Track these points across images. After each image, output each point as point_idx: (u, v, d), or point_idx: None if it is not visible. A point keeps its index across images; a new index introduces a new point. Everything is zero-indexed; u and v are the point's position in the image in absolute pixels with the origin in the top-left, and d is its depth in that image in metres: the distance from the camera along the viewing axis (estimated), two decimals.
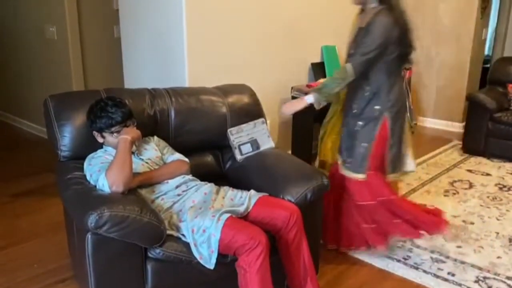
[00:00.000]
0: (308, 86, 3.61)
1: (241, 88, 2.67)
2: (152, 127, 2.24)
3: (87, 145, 2.03)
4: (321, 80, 3.13)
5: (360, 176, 2.41)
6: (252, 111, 2.57)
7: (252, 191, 2.07)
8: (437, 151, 4.59)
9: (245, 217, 1.94)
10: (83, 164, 1.99)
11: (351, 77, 2.24)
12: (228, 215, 1.81)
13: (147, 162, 2.05)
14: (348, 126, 2.45)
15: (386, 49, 2.23)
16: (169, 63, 3.16)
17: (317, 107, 2.38)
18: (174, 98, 2.33)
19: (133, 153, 2.00)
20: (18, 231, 2.84)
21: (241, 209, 1.94)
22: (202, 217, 1.83)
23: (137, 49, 3.41)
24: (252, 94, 2.65)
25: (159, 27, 3.16)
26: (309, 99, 2.33)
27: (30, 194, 3.36)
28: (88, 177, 1.92)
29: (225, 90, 2.58)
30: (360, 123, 2.37)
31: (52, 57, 4.43)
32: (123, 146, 1.88)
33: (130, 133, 1.94)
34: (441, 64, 5.33)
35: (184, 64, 3.05)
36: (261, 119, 2.55)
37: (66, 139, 2.03)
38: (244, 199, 2.00)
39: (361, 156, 2.39)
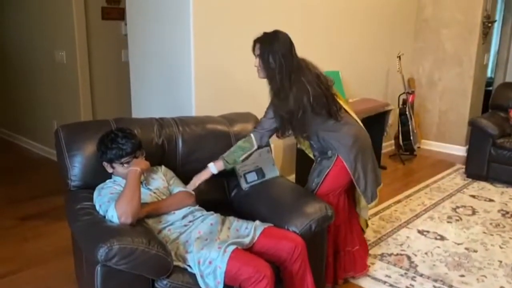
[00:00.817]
0: None
1: (246, 117, 2.72)
2: (160, 156, 2.29)
3: (97, 175, 2.08)
4: None
5: None
6: None
7: (257, 222, 2.10)
8: (440, 175, 4.61)
9: (250, 248, 1.97)
10: (92, 194, 2.04)
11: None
12: (234, 247, 1.84)
13: (154, 192, 2.10)
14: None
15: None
16: (177, 90, 3.22)
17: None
18: (181, 127, 2.39)
19: (141, 182, 2.04)
20: (25, 256, 2.87)
21: (247, 240, 1.97)
22: (208, 248, 1.86)
23: (145, 75, 3.48)
24: (257, 123, 2.70)
25: (167, 54, 3.24)
26: (211, 168, 2.31)
27: (38, 217, 3.40)
28: (97, 208, 1.96)
29: (230, 119, 2.64)
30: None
31: (61, 80, 4.52)
32: (133, 178, 1.93)
33: (139, 164, 1.99)
34: (444, 88, 5.39)
35: (191, 92, 3.11)
36: (266, 148, 2.60)
37: (76, 169, 2.08)
38: (250, 230, 2.03)
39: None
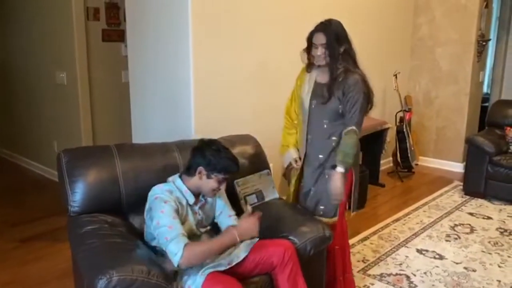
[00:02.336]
0: None
1: (246, 139, 2.76)
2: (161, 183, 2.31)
3: (98, 201, 2.10)
4: None
5: (326, 219, 2.49)
6: (257, 162, 2.66)
7: (242, 245, 2.05)
8: (438, 192, 4.64)
9: (242, 262, 1.99)
10: (94, 217, 2.06)
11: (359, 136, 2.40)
12: (209, 270, 1.87)
13: (199, 221, 2.10)
14: (314, 174, 2.51)
15: None
16: (176, 111, 3.26)
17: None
18: (183, 152, 2.41)
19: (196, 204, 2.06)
20: (26, 279, 2.88)
21: (231, 260, 1.98)
22: (191, 275, 1.89)
23: (144, 96, 3.53)
24: (257, 145, 2.75)
25: (166, 75, 3.29)
26: (341, 170, 2.35)
27: (38, 239, 3.41)
28: (148, 220, 1.95)
29: (231, 141, 2.66)
30: (327, 170, 2.45)
31: (62, 101, 4.57)
32: (226, 242, 1.92)
33: (246, 233, 1.97)
34: (441, 105, 5.45)
35: (190, 114, 3.15)
36: (266, 171, 2.63)
37: (77, 195, 2.09)
38: (235, 255, 2.02)
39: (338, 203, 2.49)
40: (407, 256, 3.22)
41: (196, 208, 2.08)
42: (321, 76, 2.46)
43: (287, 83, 3.78)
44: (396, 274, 2.96)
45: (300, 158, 2.57)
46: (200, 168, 1.99)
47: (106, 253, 1.82)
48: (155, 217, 1.90)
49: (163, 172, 2.25)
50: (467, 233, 3.64)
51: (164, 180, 2.24)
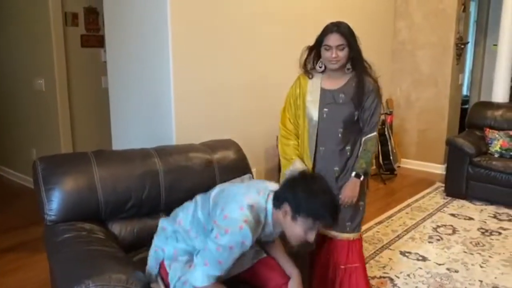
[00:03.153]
0: None
1: (228, 144, 2.73)
2: (141, 189, 2.26)
3: (75, 209, 2.05)
4: None
5: (354, 236, 2.44)
6: (239, 167, 2.63)
7: (250, 253, 1.94)
8: (420, 194, 4.68)
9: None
10: (71, 225, 2.01)
11: None
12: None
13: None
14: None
15: None
16: (157, 116, 3.23)
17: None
18: (163, 157, 2.37)
19: None
20: None
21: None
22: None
23: (124, 102, 3.48)
24: (239, 150, 2.72)
25: (146, 80, 3.25)
26: (361, 178, 2.34)
27: (17, 249, 3.33)
28: (214, 231, 1.68)
29: (212, 147, 2.64)
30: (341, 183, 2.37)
31: (40, 108, 4.49)
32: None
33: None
34: (421, 108, 5.51)
35: (171, 119, 3.12)
36: (248, 175, 2.61)
37: (53, 203, 2.03)
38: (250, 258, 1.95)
39: (361, 214, 2.45)
40: (390, 259, 3.22)
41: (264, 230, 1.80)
42: (329, 82, 2.34)
43: (268, 88, 3.80)
44: (380, 277, 2.96)
45: (309, 170, 2.38)
46: (286, 205, 1.67)
47: (83, 262, 1.78)
48: (221, 225, 1.65)
49: (142, 178, 2.21)
50: (449, 234, 3.67)
51: (143, 187, 2.21)
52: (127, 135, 3.49)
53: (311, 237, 1.67)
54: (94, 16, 4.50)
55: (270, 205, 1.73)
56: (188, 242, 1.86)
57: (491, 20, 6.18)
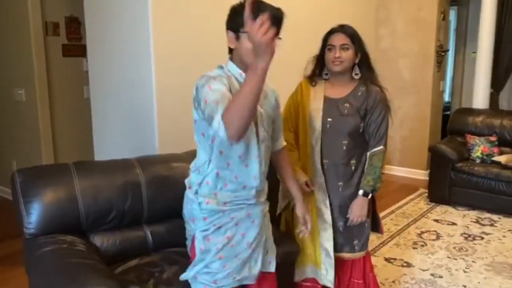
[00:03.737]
0: None
1: None
2: (123, 199, 2.22)
3: (55, 221, 2.01)
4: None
5: (361, 253, 2.38)
6: None
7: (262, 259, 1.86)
8: (404, 200, 4.72)
9: None
10: (51, 238, 1.97)
11: None
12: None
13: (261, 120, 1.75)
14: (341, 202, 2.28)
15: None
16: (139, 125, 3.20)
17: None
18: (145, 168, 2.34)
19: None
20: None
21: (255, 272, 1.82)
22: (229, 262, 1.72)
23: (106, 111, 3.44)
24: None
25: (128, 89, 3.22)
26: (369, 196, 2.24)
27: None
28: (202, 105, 1.56)
29: (195, 155, 2.62)
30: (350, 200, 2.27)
31: (20, 119, 4.42)
32: (254, 77, 1.37)
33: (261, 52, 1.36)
34: (404, 115, 5.57)
35: (154, 128, 3.10)
36: None
37: (32, 216, 1.99)
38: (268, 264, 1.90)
39: (367, 231, 2.37)
40: (375, 265, 3.22)
41: None
42: (333, 90, 2.24)
43: None
44: None
45: (311, 181, 2.25)
46: (229, 33, 1.65)
47: (63, 276, 1.74)
48: (202, 96, 1.55)
49: (123, 189, 2.18)
50: (433, 240, 3.69)
51: (125, 198, 2.19)
52: (109, 145, 3.44)
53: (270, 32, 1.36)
54: (75, 26, 4.46)
55: (231, 65, 1.72)
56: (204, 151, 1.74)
57: (470, 28, 6.30)
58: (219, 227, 1.72)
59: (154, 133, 3.10)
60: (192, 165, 1.85)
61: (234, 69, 1.71)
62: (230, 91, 1.61)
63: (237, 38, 1.64)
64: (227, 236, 1.73)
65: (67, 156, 4.28)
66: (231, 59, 1.73)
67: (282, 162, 2.02)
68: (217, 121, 1.43)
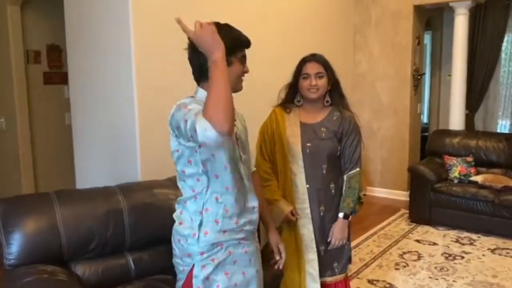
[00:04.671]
0: None
1: None
2: (105, 228, 2.22)
3: (36, 251, 2.00)
4: None
5: (341, 276, 2.40)
6: None
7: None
8: (386, 221, 4.77)
9: None
10: (32, 268, 1.95)
11: None
12: None
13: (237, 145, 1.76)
14: (321, 227, 2.32)
15: None
16: (121, 152, 3.20)
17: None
18: (126, 195, 2.35)
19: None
20: None
21: None
22: None
23: (88, 140, 3.44)
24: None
25: (110, 119, 3.24)
26: (348, 217, 2.29)
27: None
28: (182, 127, 1.53)
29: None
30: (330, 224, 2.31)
31: (0, 148, 4.38)
32: (221, 67, 1.44)
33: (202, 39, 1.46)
34: (383, 137, 5.68)
35: (136, 154, 3.10)
36: None
37: (13, 246, 1.97)
38: None
39: (347, 253, 2.41)
40: None
41: None
42: (307, 116, 2.30)
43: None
44: None
45: (295, 209, 2.27)
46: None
47: None
48: (180, 118, 1.54)
49: (105, 216, 2.18)
50: (414, 260, 3.74)
51: (107, 226, 2.18)
52: (91, 173, 3.43)
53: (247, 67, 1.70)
54: (57, 54, 4.48)
55: (200, 92, 1.71)
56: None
57: (444, 51, 6.51)
58: (218, 264, 1.68)
59: (136, 160, 3.10)
60: (179, 200, 1.83)
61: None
62: None
63: (229, 64, 1.60)
64: (225, 272, 1.69)
65: (48, 184, 4.25)
66: (202, 86, 1.73)
67: (255, 186, 1.98)
68: (201, 124, 1.40)
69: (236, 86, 1.71)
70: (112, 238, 2.20)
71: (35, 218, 2.03)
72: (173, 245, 1.82)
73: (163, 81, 3.22)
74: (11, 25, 4.06)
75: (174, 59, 3.30)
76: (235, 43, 1.65)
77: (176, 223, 1.80)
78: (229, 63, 1.57)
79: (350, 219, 2.29)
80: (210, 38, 1.43)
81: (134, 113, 3.07)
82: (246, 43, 1.70)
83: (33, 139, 4.33)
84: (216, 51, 1.43)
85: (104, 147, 3.33)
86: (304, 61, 2.28)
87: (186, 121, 1.50)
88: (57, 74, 4.49)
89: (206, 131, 1.39)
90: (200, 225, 1.68)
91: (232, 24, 1.75)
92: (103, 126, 3.32)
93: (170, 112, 1.68)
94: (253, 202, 1.78)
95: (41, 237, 2.02)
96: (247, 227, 1.74)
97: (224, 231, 1.68)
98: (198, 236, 1.67)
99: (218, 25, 1.59)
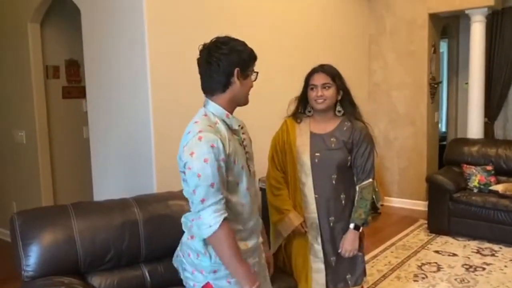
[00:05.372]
0: None
1: None
2: (121, 239, 2.24)
3: (53, 263, 2.03)
4: None
5: (359, 287, 2.36)
6: None
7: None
8: (404, 232, 4.70)
9: None
10: (49, 280, 1.97)
11: None
12: None
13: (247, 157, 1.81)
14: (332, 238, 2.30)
15: None
16: (137, 167, 3.24)
17: None
18: (142, 207, 2.37)
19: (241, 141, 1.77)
20: None
21: None
22: None
23: (105, 153, 3.49)
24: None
25: (127, 132, 3.29)
26: (360, 228, 2.27)
27: None
28: (184, 169, 1.59)
29: None
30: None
31: (21, 161, 4.47)
32: (243, 276, 1.64)
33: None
34: (400, 147, 5.62)
35: (152, 165, 3.14)
36: None
37: (31, 258, 2.01)
38: None
39: (360, 265, 2.37)
40: None
41: (241, 133, 1.76)
42: (318, 126, 2.30)
43: (253, 132, 3.84)
44: None
45: (304, 222, 2.27)
46: (238, 70, 1.64)
47: None
48: (193, 167, 1.53)
49: (121, 228, 2.20)
50: (434, 272, 3.67)
51: (122, 238, 2.19)
52: (108, 185, 3.48)
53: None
54: (75, 68, 4.57)
55: (213, 107, 1.69)
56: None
57: (461, 59, 6.44)
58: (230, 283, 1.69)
59: (152, 172, 3.14)
60: (186, 216, 1.86)
61: (218, 111, 1.70)
62: (226, 151, 1.60)
63: (245, 77, 1.67)
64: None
65: (67, 196, 4.31)
66: (213, 99, 1.71)
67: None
68: (215, 222, 1.55)
69: (246, 100, 1.77)
70: (128, 250, 2.22)
71: (53, 230, 2.07)
72: (182, 259, 1.82)
73: (179, 95, 3.26)
74: (31, 41, 4.16)
75: (189, 73, 3.33)
76: (250, 57, 1.70)
77: (187, 237, 1.80)
78: (246, 77, 1.67)
79: (361, 230, 2.27)
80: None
81: (150, 126, 3.11)
82: (256, 57, 1.74)
83: (52, 152, 4.41)
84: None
85: (121, 160, 3.38)
86: (312, 72, 2.29)
87: (199, 178, 1.54)
88: (76, 88, 4.58)
89: (204, 227, 1.58)
90: None
91: (247, 37, 1.79)
92: (120, 139, 3.36)
93: (184, 143, 1.64)
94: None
95: (58, 249, 2.05)
96: (255, 251, 1.79)
97: None
98: (210, 255, 1.68)
99: (233, 39, 1.66)
